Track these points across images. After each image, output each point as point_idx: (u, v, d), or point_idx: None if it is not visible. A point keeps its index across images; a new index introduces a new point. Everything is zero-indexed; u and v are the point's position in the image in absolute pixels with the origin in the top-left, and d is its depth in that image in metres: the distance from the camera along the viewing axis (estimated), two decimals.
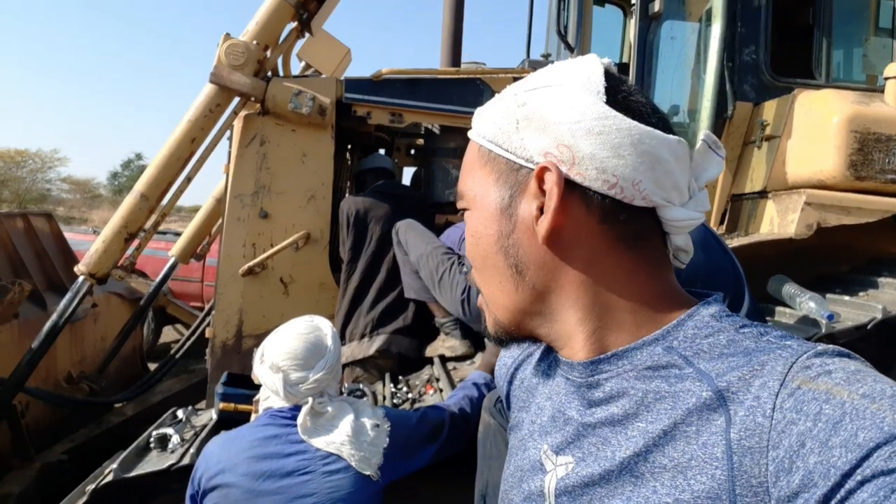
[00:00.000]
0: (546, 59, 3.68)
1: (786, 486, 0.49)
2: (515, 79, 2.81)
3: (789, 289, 2.66)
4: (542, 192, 0.63)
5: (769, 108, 3.10)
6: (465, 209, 0.71)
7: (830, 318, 2.48)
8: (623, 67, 3.51)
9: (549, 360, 0.76)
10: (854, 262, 3.13)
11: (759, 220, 3.05)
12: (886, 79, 2.79)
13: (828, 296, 2.73)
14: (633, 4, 3.06)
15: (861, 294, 2.72)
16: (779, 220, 2.83)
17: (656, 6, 2.89)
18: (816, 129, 2.78)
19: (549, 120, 0.62)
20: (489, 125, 0.68)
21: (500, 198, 0.67)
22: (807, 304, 2.53)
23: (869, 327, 2.42)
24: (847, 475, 0.46)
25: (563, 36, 3.35)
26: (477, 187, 0.69)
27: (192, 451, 2.17)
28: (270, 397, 1.75)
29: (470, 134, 0.72)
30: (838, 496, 0.46)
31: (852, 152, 2.66)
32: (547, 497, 0.66)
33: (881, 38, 3.28)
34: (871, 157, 2.66)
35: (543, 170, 0.62)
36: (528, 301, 0.68)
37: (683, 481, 0.55)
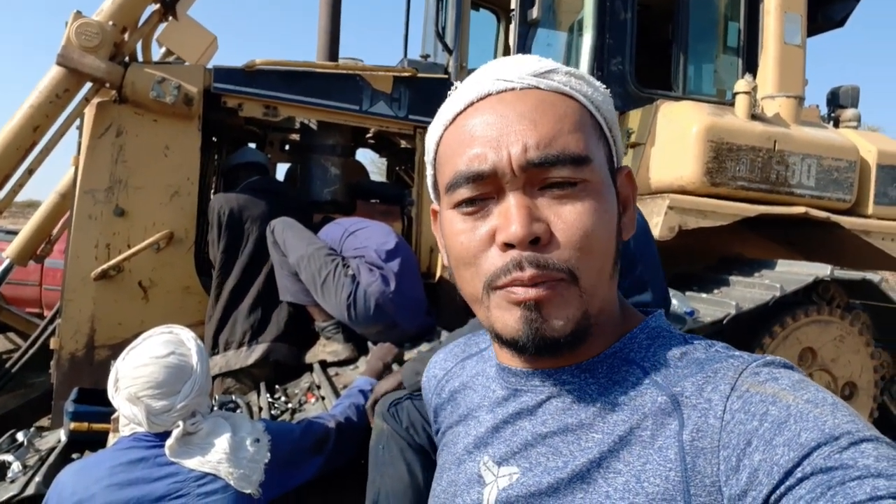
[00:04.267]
0: (425, 60, 3.66)
1: (735, 485, 0.50)
2: (396, 77, 2.73)
3: None
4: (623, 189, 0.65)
5: (634, 117, 3.29)
6: (575, 179, 0.57)
7: (691, 314, 2.67)
8: None
9: (488, 372, 0.72)
10: (705, 262, 3.40)
11: None
12: (736, 93, 3.04)
13: (687, 293, 2.93)
14: (512, 10, 3.12)
15: (715, 291, 2.95)
16: None
17: (534, 13, 2.97)
18: (677, 138, 2.98)
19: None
20: (599, 95, 0.63)
21: (609, 180, 0.62)
22: (671, 301, 2.71)
23: (724, 322, 2.64)
24: (789, 472, 0.47)
25: (441, 37, 3.34)
26: (599, 157, 0.61)
27: (37, 479, 1.94)
28: (131, 425, 1.57)
29: (568, 89, 0.60)
30: (779, 492, 0.47)
31: (709, 160, 2.88)
32: None
33: (729, 56, 3.60)
34: (724, 165, 2.89)
35: (629, 172, 0.66)
36: (612, 297, 0.63)
37: (637, 484, 0.54)
